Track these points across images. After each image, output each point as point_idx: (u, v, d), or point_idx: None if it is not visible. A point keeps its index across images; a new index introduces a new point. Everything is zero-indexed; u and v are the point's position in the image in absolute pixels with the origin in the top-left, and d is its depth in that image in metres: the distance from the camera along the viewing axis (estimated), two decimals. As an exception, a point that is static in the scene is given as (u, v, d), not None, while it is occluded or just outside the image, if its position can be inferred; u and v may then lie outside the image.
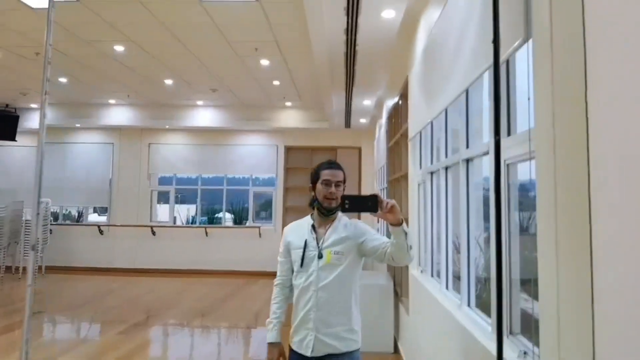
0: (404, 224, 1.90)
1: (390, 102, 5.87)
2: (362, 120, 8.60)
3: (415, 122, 3.99)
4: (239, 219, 10.47)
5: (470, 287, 2.50)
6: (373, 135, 8.94)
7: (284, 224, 9.46)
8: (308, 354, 2.06)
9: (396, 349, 4.87)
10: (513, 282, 1.95)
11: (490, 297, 1.99)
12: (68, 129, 9.87)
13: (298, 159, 9.75)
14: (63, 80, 7.46)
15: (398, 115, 5.10)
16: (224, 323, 6.39)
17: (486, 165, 2.36)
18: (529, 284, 2.37)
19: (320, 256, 2.09)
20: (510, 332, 1.93)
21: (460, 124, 2.66)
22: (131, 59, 6.21)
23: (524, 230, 2.22)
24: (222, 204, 10.18)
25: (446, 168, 3.09)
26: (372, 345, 4.82)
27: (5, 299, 7.68)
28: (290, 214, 9.64)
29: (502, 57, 1.65)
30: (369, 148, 9.41)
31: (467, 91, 2.54)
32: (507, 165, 1.98)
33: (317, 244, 2.11)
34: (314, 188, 2.17)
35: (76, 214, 10.77)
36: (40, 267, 9.09)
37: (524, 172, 2.14)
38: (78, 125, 9.63)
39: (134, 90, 8.04)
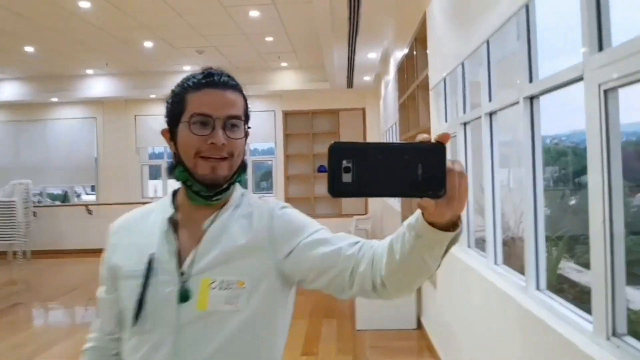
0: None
1: (399, 54, 5.18)
2: (366, 78, 7.89)
3: (438, 66, 3.34)
4: (239, 192, 9.84)
5: (540, 264, 1.91)
6: (378, 95, 8.25)
7: (287, 195, 8.90)
8: None
9: (419, 325, 4.36)
10: (616, 264, 1.35)
11: (593, 286, 1.40)
12: (44, 105, 9.09)
13: (298, 125, 9.08)
14: (29, 49, 6.70)
15: (412, 65, 4.43)
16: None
17: (573, 100, 1.71)
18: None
19: (184, 296, 0.92)
20: (613, 333, 1.35)
21: (517, 52, 2.02)
22: (101, 17, 5.45)
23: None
24: (219, 177, 9.56)
25: (490, 114, 2.45)
26: (391, 322, 4.35)
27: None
28: (293, 182, 9.04)
29: None
30: (374, 108, 8.73)
31: (526, 7, 1.90)
32: (605, 92, 1.36)
33: (179, 264, 0.95)
34: (172, 136, 0.98)
35: (63, 194, 10.12)
36: (24, 252, 8.37)
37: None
38: (55, 99, 8.88)
39: (111, 57, 7.28)
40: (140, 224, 1.03)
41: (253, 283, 0.93)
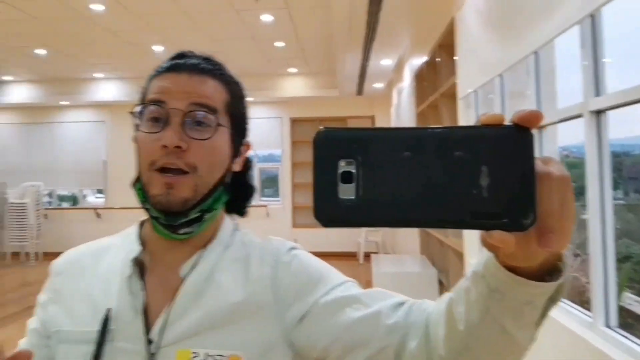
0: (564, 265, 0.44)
1: (417, 61, 5.01)
2: (377, 86, 7.72)
3: (470, 75, 3.16)
4: (244, 199, 9.65)
5: (610, 297, 1.72)
6: (389, 102, 8.09)
7: (294, 203, 8.72)
8: None
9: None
10: None
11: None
12: (54, 108, 9.00)
13: (305, 132, 8.90)
14: (42, 51, 6.56)
15: (434, 73, 4.26)
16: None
17: None
18: None
19: None
20: None
21: (582, 61, 1.84)
22: (113, 20, 5.31)
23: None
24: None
25: (540, 128, 2.28)
26: None
27: (-6, 288, 6.97)
28: (300, 191, 8.85)
29: None
30: (385, 116, 8.56)
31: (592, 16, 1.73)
32: None
33: (146, 327, 0.66)
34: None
35: (72, 196, 9.98)
36: (36, 254, 8.33)
37: None
38: (65, 102, 8.76)
39: (121, 60, 7.14)
40: (95, 265, 0.74)
41: (253, 356, 0.64)
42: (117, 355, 0.65)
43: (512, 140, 0.35)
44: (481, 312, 0.47)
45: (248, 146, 0.76)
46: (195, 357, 0.63)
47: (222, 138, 0.69)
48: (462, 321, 0.50)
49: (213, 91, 0.69)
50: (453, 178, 0.35)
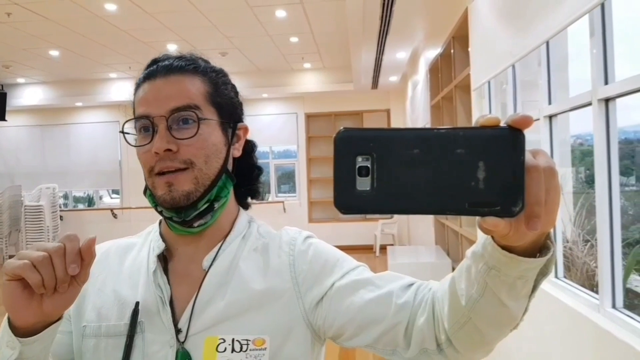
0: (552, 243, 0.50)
1: (431, 53, 5.03)
2: (392, 79, 7.74)
3: (483, 66, 3.19)
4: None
5: (616, 279, 1.76)
6: (404, 95, 8.10)
7: (310, 198, 8.79)
8: None
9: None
10: None
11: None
12: (68, 109, 9.12)
13: (320, 127, 8.96)
14: (55, 53, 6.71)
15: (448, 65, 4.28)
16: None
17: None
18: None
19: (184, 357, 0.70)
20: None
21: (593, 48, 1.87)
22: (126, 19, 5.42)
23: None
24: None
25: (550, 117, 2.31)
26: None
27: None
28: (316, 186, 8.93)
29: None
30: (400, 110, 8.57)
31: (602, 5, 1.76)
32: None
33: (173, 315, 0.72)
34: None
35: (87, 197, 10.18)
36: None
37: None
38: (79, 104, 8.89)
39: (134, 60, 7.26)
40: (119, 262, 0.78)
41: (277, 341, 0.69)
42: (148, 345, 0.70)
43: (506, 140, 0.41)
44: (480, 288, 0.54)
45: (246, 129, 0.79)
46: (222, 342, 0.68)
47: (210, 129, 0.72)
48: (464, 296, 0.56)
49: (190, 87, 0.71)
50: (454, 172, 0.40)
